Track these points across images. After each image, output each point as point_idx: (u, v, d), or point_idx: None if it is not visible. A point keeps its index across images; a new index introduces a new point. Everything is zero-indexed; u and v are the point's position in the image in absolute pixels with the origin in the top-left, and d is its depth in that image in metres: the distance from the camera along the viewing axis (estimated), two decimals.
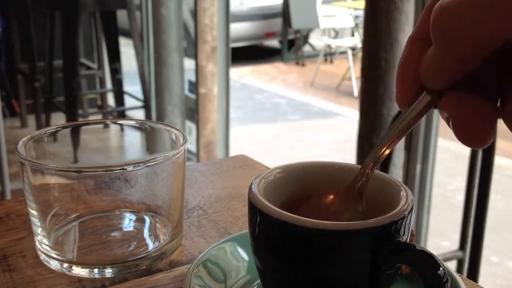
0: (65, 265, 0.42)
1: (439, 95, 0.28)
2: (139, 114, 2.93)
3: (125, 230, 0.47)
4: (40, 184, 0.42)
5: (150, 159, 0.42)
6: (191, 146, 2.79)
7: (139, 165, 0.41)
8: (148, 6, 2.82)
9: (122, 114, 3.01)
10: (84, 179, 0.43)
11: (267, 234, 0.32)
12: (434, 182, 1.94)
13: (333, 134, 3.87)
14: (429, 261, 0.29)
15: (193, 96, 2.77)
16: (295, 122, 4.16)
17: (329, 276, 0.31)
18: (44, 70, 2.86)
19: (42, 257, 0.43)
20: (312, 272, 0.31)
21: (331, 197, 0.35)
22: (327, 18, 5.13)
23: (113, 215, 0.47)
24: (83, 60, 3.20)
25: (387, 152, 0.31)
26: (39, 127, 2.95)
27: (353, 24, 5.17)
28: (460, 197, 1.80)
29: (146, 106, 2.80)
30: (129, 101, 3.00)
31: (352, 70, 4.83)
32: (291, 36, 5.83)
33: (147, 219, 0.47)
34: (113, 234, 0.46)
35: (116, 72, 2.86)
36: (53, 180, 0.42)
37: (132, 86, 3.10)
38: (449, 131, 0.28)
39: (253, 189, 0.33)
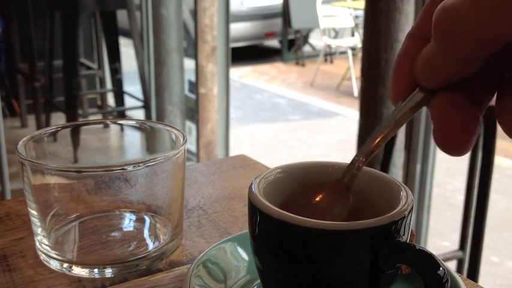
0: (65, 265, 0.42)
1: (432, 93, 0.28)
2: (140, 114, 2.93)
3: (125, 230, 0.47)
4: (40, 184, 0.42)
5: (150, 159, 0.42)
6: (191, 146, 2.79)
7: (139, 165, 0.41)
8: (148, 6, 2.82)
9: (122, 114, 3.01)
10: (84, 179, 0.43)
11: (267, 234, 0.32)
12: (434, 182, 1.94)
13: (333, 134, 3.87)
14: (429, 261, 0.29)
15: (193, 96, 2.77)
16: (295, 122, 4.16)
17: (329, 276, 0.31)
18: (44, 70, 2.86)
19: (42, 257, 0.43)
20: (312, 272, 0.31)
21: (321, 193, 0.35)
22: (327, 18, 5.13)
23: (113, 215, 0.47)
24: (83, 60, 3.20)
25: (377, 147, 0.31)
26: (39, 127, 2.95)
27: (353, 24, 5.17)
28: (460, 197, 1.80)
29: (146, 106, 2.80)
30: (129, 101, 3.00)
31: (352, 70, 4.83)
32: (291, 36, 5.83)
33: (147, 219, 0.47)
34: (113, 234, 0.46)
35: (116, 72, 2.86)
36: (53, 180, 0.42)
37: (132, 86, 3.10)
38: None
39: (253, 189, 0.33)
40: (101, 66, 3.23)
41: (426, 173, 1.86)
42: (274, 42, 6.35)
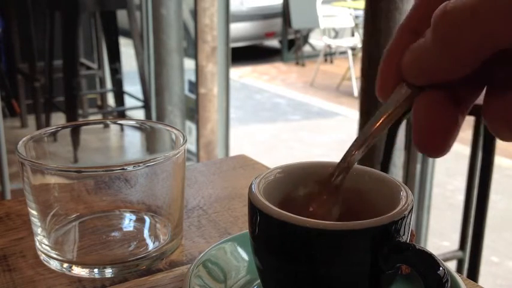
0: (65, 265, 0.42)
1: (419, 90, 0.27)
2: (140, 114, 2.93)
3: (125, 230, 0.47)
4: (40, 184, 0.42)
5: (150, 159, 0.42)
6: (191, 146, 2.79)
7: (139, 165, 0.41)
8: (148, 6, 2.83)
9: (122, 114, 3.01)
10: (84, 179, 0.43)
11: (267, 234, 0.32)
12: (434, 182, 1.95)
13: (333, 134, 3.87)
14: (429, 261, 0.29)
15: (193, 96, 2.77)
16: (295, 122, 4.16)
17: (329, 276, 0.31)
18: (44, 70, 2.86)
19: (42, 257, 0.43)
20: (312, 272, 0.31)
21: (313, 193, 0.35)
22: (327, 18, 5.13)
23: (113, 215, 0.47)
24: (83, 60, 3.20)
25: (364, 147, 0.31)
26: (39, 127, 2.95)
27: (353, 24, 5.17)
28: (460, 197, 1.80)
29: (146, 106, 2.80)
30: (129, 101, 3.00)
31: (352, 70, 4.83)
32: (291, 36, 5.83)
33: (147, 219, 0.47)
34: (113, 234, 0.46)
35: (116, 72, 2.86)
36: (53, 180, 0.42)
37: (132, 86, 3.10)
38: None
39: (253, 189, 0.33)
40: (101, 66, 3.23)
41: (426, 173, 1.86)
42: (274, 42, 6.35)
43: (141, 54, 2.74)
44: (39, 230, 0.43)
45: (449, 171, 2.95)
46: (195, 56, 2.64)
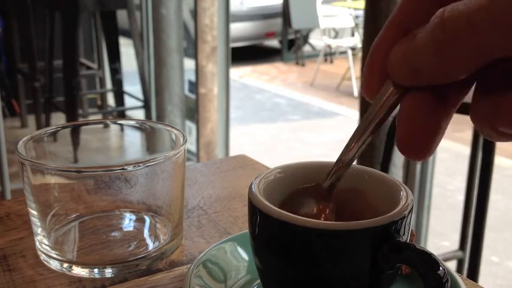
0: (65, 265, 0.42)
1: (405, 91, 0.26)
2: (140, 114, 2.93)
3: (125, 230, 0.47)
4: (40, 184, 0.42)
5: (150, 159, 0.42)
6: (191, 146, 2.79)
7: (139, 165, 0.41)
8: (148, 6, 2.83)
9: (121, 114, 3.01)
10: (84, 179, 0.43)
11: (267, 234, 0.32)
12: (434, 182, 1.95)
13: (333, 134, 3.88)
14: (429, 261, 0.29)
15: (193, 96, 2.77)
16: (295, 122, 4.16)
17: (329, 276, 0.31)
18: (44, 70, 2.86)
19: (42, 257, 0.43)
20: (312, 272, 0.31)
21: (306, 197, 0.35)
22: (327, 18, 5.13)
23: (113, 215, 0.47)
24: (83, 60, 3.20)
25: (355, 150, 0.30)
26: (39, 127, 2.95)
27: (353, 24, 5.17)
28: (460, 197, 1.80)
29: (146, 106, 2.80)
30: (129, 101, 3.00)
31: (352, 70, 4.83)
32: (291, 36, 5.83)
33: (147, 219, 0.47)
34: (113, 234, 0.46)
35: (116, 72, 2.86)
36: (53, 180, 0.42)
37: (132, 86, 3.10)
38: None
39: (253, 189, 0.33)
40: (101, 66, 3.23)
41: (426, 173, 1.86)
42: (274, 42, 6.35)
43: (141, 54, 2.74)
44: (39, 230, 0.43)
45: (449, 171, 2.95)
46: (195, 56, 2.64)
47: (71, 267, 0.42)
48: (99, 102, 3.42)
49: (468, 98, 0.27)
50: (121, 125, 0.52)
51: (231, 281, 0.38)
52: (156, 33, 2.72)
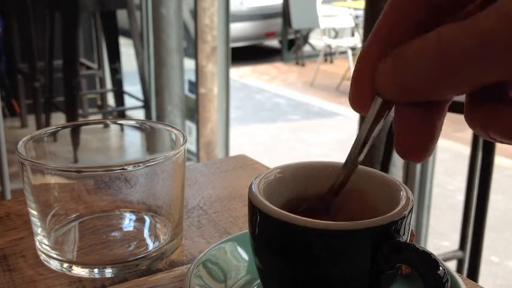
0: (65, 265, 0.42)
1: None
2: (140, 114, 2.93)
3: (125, 230, 0.47)
4: (40, 184, 0.42)
5: (150, 159, 0.42)
6: (191, 146, 2.79)
7: (139, 165, 0.41)
8: (148, 6, 2.83)
9: (121, 114, 3.01)
10: (84, 179, 0.43)
11: (267, 234, 0.32)
12: (434, 182, 1.95)
13: (333, 134, 3.88)
14: (429, 261, 0.29)
15: (193, 96, 2.77)
16: (295, 122, 4.16)
17: (329, 276, 0.31)
18: (44, 70, 2.86)
19: (42, 257, 0.43)
20: (312, 272, 0.31)
21: (311, 200, 0.35)
22: (327, 18, 5.13)
23: (113, 215, 0.47)
24: (83, 60, 3.20)
25: (355, 159, 0.31)
26: (39, 127, 2.95)
27: (353, 24, 5.17)
28: (460, 197, 1.80)
29: (146, 106, 2.80)
30: (129, 101, 3.00)
31: (352, 70, 4.83)
32: (291, 36, 5.83)
33: (147, 219, 0.47)
34: (113, 234, 0.46)
35: (116, 72, 2.86)
36: (53, 180, 0.42)
37: (132, 86, 3.10)
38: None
39: (253, 189, 0.33)
40: (101, 66, 3.23)
41: (426, 173, 1.87)
42: (274, 42, 6.35)
43: (141, 54, 2.74)
44: (39, 230, 0.43)
45: (449, 171, 2.95)
46: (195, 56, 2.64)
47: (71, 267, 0.42)
48: (99, 102, 3.42)
49: (464, 96, 0.27)
50: (121, 125, 0.52)
51: (231, 281, 0.38)
52: (156, 33, 2.72)
